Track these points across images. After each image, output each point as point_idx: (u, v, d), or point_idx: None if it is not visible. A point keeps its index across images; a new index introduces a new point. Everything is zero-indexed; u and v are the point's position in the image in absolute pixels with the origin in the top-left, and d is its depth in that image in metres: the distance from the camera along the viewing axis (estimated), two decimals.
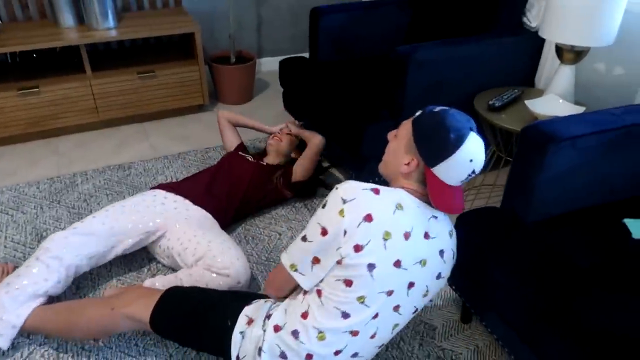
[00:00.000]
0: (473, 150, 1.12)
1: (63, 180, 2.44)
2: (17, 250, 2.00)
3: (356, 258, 1.08)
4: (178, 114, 3.11)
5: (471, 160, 1.12)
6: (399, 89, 2.07)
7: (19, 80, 2.70)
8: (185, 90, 3.00)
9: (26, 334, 1.62)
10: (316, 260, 1.13)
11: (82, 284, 1.82)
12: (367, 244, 1.08)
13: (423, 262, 1.16)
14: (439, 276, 1.23)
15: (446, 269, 1.24)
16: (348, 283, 1.11)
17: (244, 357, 1.25)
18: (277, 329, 1.21)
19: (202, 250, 1.71)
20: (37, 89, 2.65)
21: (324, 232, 1.10)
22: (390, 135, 1.27)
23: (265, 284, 1.33)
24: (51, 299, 1.62)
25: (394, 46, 2.10)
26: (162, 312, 1.39)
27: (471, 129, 1.13)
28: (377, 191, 1.12)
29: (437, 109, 1.17)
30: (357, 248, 1.08)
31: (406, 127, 1.21)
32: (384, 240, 1.09)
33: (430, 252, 1.17)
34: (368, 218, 1.08)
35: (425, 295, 1.23)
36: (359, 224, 1.07)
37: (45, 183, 2.42)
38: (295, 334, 1.18)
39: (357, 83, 2.36)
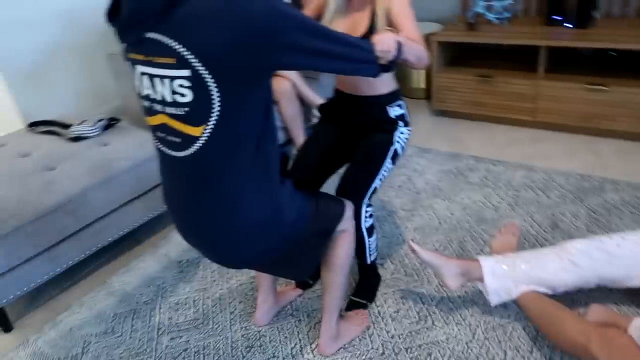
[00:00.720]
0: None
1: (592, 181, 2.41)
2: (532, 227, 2.14)
3: None
4: None
5: None
6: None
7: (588, 75, 2.76)
8: None
9: (515, 305, 1.74)
10: None
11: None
12: None
13: None
14: None
15: None
16: None
17: None
18: None
19: None
20: (604, 87, 2.64)
21: None
22: None
23: None
24: None
25: None
26: None
27: None
28: None
29: None
30: None
31: None
32: None
33: None
34: None
35: None
36: None
37: (575, 177, 2.46)
38: None
39: None
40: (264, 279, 1.79)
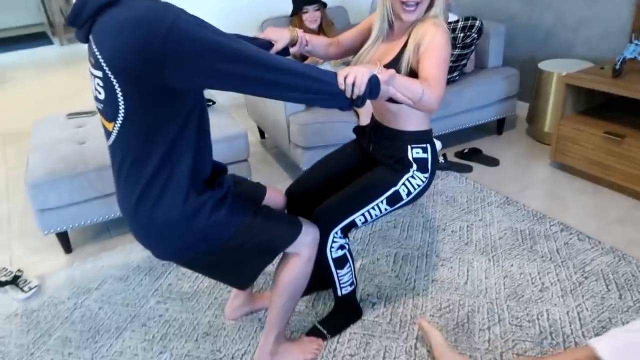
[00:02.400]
0: None
1: None
2: (571, 323, 1.74)
3: None
4: None
5: None
6: None
7: None
8: None
9: None
10: None
11: None
12: None
13: None
14: None
15: None
16: None
17: None
18: None
19: None
20: None
21: None
22: None
23: None
24: None
25: None
26: None
27: None
28: None
29: None
30: None
31: None
32: None
33: None
34: None
35: None
36: None
37: None
38: None
39: None
40: None
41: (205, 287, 2.06)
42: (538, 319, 1.78)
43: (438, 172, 2.83)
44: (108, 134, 1.26)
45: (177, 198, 1.27)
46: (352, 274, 1.72)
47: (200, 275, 2.13)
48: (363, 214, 1.61)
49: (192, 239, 1.33)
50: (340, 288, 1.72)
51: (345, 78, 1.25)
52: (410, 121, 1.61)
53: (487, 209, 2.47)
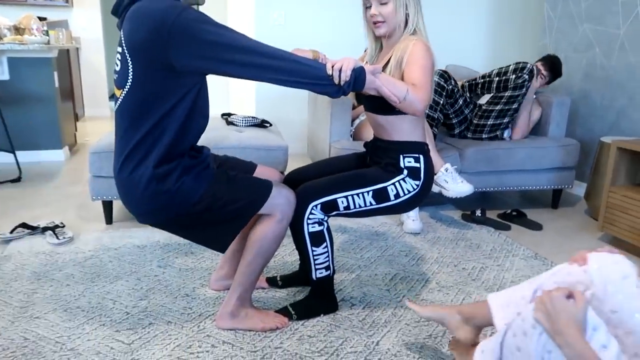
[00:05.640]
0: None
1: None
2: None
3: None
4: None
5: None
6: None
7: None
8: None
9: None
10: None
11: None
12: None
13: None
14: None
15: None
16: None
17: None
18: None
19: None
20: None
21: None
22: None
23: None
24: None
25: None
26: None
27: None
28: None
29: None
30: None
31: None
32: None
33: None
34: None
35: None
36: None
37: None
38: None
39: None
40: (228, 249, 1.92)
41: (206, 265, 2.16)
42: None
43: (471, 225, 2.74)
44: (116, 100, 1.50)
45: (151, 163, 1.45)
46: (328, 256, 1.72)
47: (204, 255, 2.24)
48: (346, 197, 1.66)
49: (163, 200, 1.47)
50: (315, 269, 1.73)
51: (333, 65, 1.42)
52: (401, 132, 1.70)
53: (509, 258, 2.33)
